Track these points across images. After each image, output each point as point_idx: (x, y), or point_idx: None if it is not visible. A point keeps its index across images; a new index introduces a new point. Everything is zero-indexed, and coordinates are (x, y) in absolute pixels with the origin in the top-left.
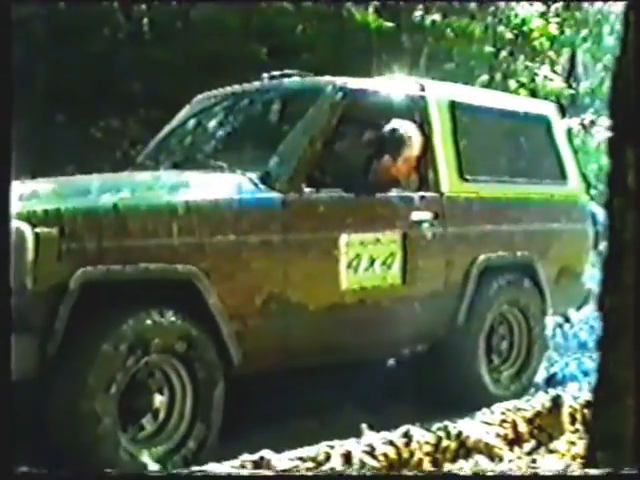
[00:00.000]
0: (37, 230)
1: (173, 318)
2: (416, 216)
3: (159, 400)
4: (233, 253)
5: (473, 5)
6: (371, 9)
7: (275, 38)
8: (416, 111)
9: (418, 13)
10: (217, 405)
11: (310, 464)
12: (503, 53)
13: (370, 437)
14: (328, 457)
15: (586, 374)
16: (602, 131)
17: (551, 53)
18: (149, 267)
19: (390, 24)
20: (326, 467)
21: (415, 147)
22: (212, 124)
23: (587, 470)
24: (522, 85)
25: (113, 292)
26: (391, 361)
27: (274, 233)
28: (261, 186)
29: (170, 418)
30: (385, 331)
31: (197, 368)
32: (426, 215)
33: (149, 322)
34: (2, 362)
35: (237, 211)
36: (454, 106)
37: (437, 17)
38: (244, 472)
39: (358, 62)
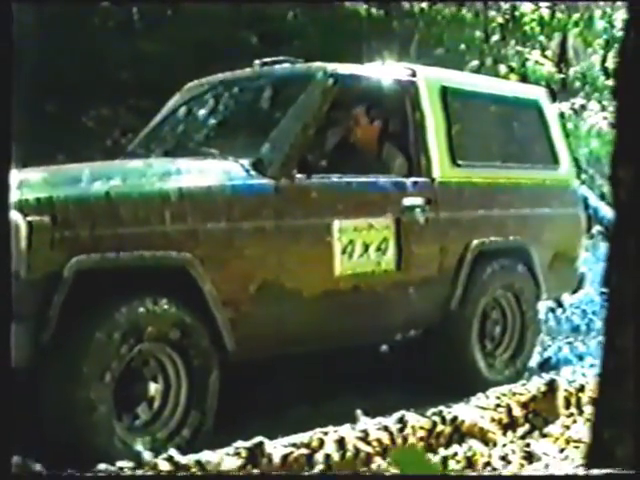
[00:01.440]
0: (29, 219)
1: (167, 306)
2: (408, 202)
3: (154, 388)
4: (226, 240)
5: None
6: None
7: (266, 25)
8: (407, 96)
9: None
10: (212, 393)
11: (304, 450)
12: (494, 38)
13: (364, 423)
14: (322, 443)
15: (580, 358)
16: (593, 115)
17: (542, 38)
18: (143, 254)
19: (381, 10)
20: (320, 453)
21: (363, 103)
22: (203, 111)
23: (585, 470)
24: (512, 70)
25: (107, 280)
26: (385, 347)
27: (267, 219)
28: (253, 172)
29: (165, 406)
30: (379, 316)
31: (191, 355)
32: (418, 200)
33: (143, 310)
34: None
35: (230, 198)
36: (445, 91)
37: (425, 5)
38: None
39: (349, 49)
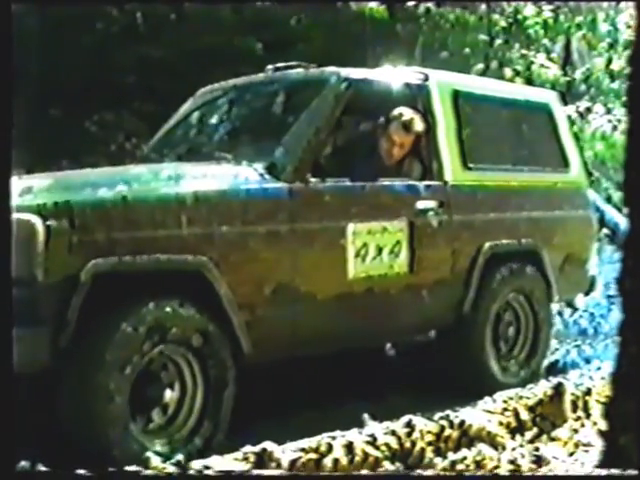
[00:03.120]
0: (48, 223)
1: (179, 309)
2: (421, 205)
3: (169, 395)
4: (241, 243)
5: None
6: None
7: (269, 29)
8: (419, 100)
9: (411, 3)
10: (226, 407)
11: (312, 455)
12: (498, 41)
13: (372, 427)
14: (330, 448)
15: (587, 361)
16: (598, 118)
17: (546, 41)
18: (159, 258)
19: (385, 14)
20: (328, 458)
21: (414, 130)
22: (217, 116)
23: (586, 471)
24: (517, 73)
25: (123, 283)
26: (392, 350)
27: (281, 223)
28: (267, 177)
29: (179, 413)
30: (392, 319)
31: (210, 365)
32: (431, 204)
33: (156, 313)
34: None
35: (244, 201)
36: (457, 95)
37: (431, 5)
38: (248, 470)
39: (353, 52)
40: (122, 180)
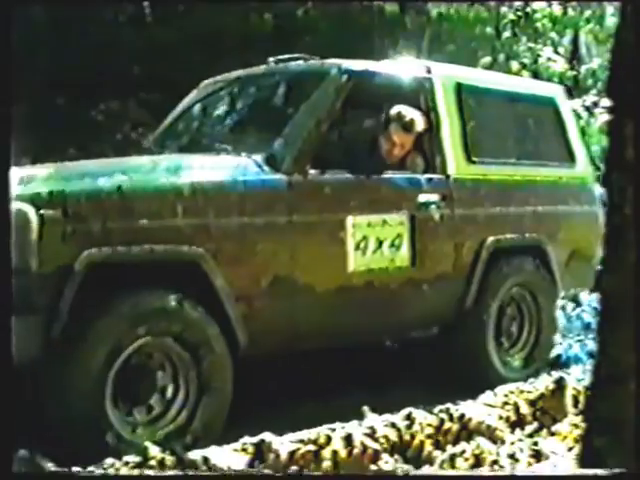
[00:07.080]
0: (41, 212)
1: (177, 300)
2: (423, 198)
3: (161, 377)
4: (239, 235)
5: None
6: None
7: (277, 20)
8: (422, 93)
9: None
10: (222, 403)
11: (311, 447)
12: (505, 34)
13: (372, 419)
14: (329, 440)
15: (591, 356)
16: (605, 112)
17: (553, 35)
18: (154, 248)
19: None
20: (327, 450)
21: (415, 131)
22: (218, 108)
23: (585, 470)
24: (524, 66)
25: (118, 273)
26: (398, 343)
27: (280, 215)
28: (266, 168)
29: (174, 401)
30: (393, 313)
31: (204, 360)
32: (433, 197)
33: (152, 303)
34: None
35: (242, 193)
36: (460, 88)
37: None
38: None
39: (361, 44)
40: (118, 170)
